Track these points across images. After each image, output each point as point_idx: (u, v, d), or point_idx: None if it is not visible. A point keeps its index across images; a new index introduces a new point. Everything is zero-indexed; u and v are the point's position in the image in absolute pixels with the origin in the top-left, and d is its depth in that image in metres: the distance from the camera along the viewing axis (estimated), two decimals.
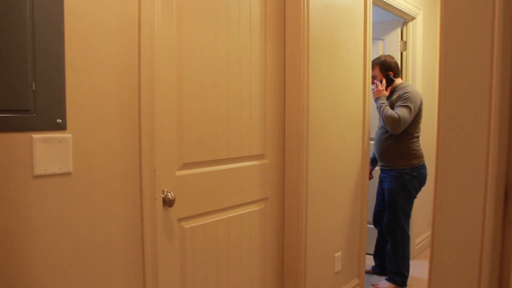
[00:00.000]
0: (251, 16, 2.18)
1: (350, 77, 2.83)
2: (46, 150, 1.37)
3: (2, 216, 1.29)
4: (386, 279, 3.32)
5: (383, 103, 3.15)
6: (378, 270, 3.53)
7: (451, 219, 1.13)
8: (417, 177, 3.21)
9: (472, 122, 1.11)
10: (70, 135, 1.42)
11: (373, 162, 3.51)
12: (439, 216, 1.14)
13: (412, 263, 3.64)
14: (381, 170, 3.36)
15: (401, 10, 3.52)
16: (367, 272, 3.45)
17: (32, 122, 1.34)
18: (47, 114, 1.36)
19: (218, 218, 2.07)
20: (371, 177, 3.50)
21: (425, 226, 4.19)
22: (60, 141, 1.40)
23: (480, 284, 1.08)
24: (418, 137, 3.23)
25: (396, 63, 3.31)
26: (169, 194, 1.76)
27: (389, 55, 3.35)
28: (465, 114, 1.12)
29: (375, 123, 3.44)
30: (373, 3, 3.04)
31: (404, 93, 3.11)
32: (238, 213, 2.18)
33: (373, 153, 3.46)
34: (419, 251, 4.08)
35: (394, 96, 3.18)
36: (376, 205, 3.47)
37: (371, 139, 3.33)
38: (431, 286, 1.17)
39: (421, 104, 3.16)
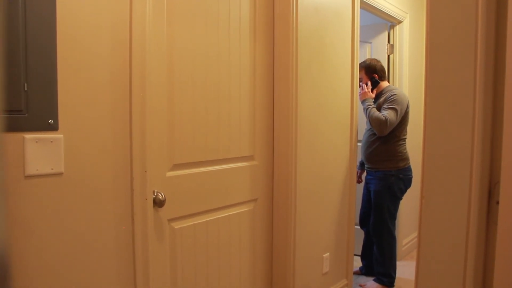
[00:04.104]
0: (240, 19, 2.20)
1: (338, 79, 2.86)
2: (38, 150, 1.37)
3: None
4: (374, 280, 3.36)
5: (370, 105, 3.19)
6: (365, 271, 3.57)
7: (437, 217, 1.17)
8: (403, 179, 3.25)
9: (457, 122, 1.14)
10: (61, 135, 1.43)
11: (362, 166, 3.53)
12: (425, 214, 1.18)
13: (399, 264, 3.68)
14: (367, 172, 3.40)
15: (388, 14, 3.57)
16: (355, 273, 3.48)
17: (24, 123, 1.34)
18: (39, 114, 1.37)
19: (208, 219, 2.09)
20: (360, 181, 3.54)
21: (412, 227, 4.24)
22: (51, 142, 1.40)
23: (465, 280, 1.11)
24: (404, 139, 3.27)
25: (382, 66, 3.35)
26: (160, 194, 1.78)
27: (375, 59, 3.39)
28: (450, 115, 1.15)
29: (362, 126, 3.48)
30: (361, 7, 3.08)
31: (391, 96, 3.16)
32: (227, 214, 2.20)
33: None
34: (406, 252, 4.13)
35: (381, 99, 3.22)
36: (362, 207, 3.50)
37: (359, 141, 3.37)
38: (418, 281, 1.20)
39: (407, 107, 3.20)
